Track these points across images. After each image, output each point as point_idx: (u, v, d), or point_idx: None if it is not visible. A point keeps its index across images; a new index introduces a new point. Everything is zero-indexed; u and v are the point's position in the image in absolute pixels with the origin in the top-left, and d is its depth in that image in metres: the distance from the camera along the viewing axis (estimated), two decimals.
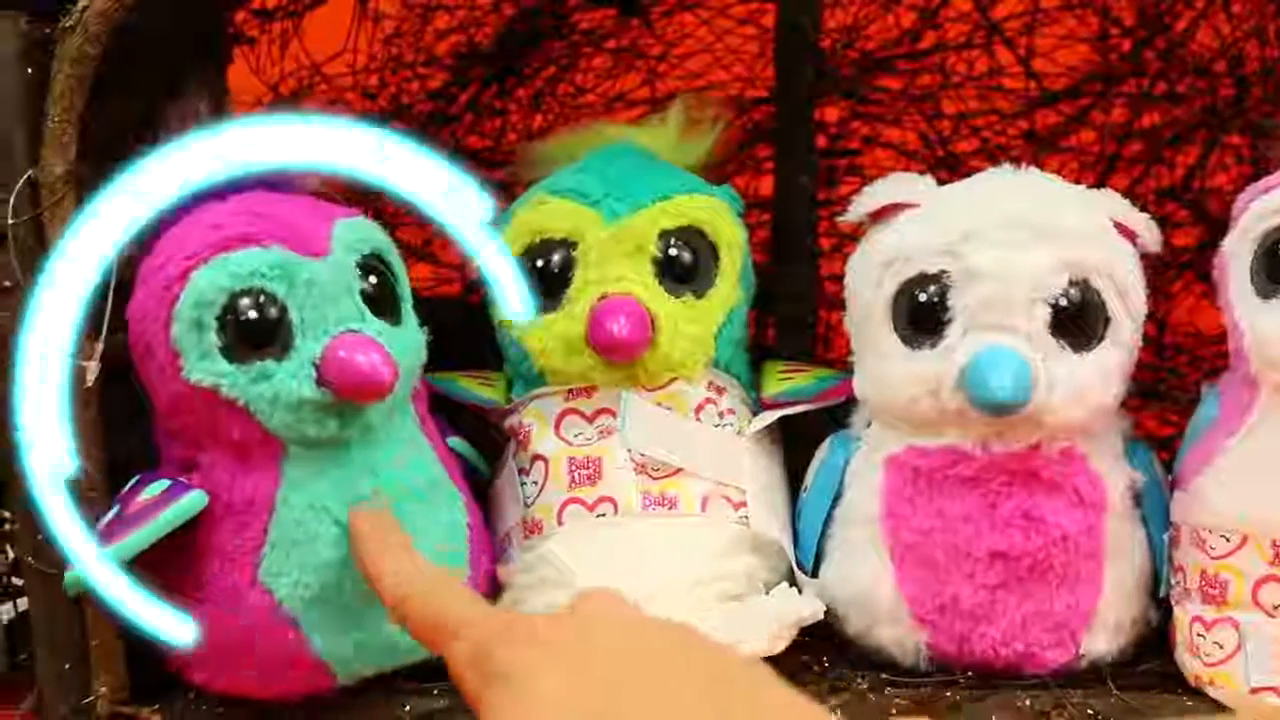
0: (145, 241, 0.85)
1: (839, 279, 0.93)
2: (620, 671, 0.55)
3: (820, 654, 0.92)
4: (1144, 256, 0.90)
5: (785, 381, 0.97)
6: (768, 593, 0.91)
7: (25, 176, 0.84)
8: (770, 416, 0.95)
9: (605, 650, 0.56)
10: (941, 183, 0.91)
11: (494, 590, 0.93)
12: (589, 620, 0.58)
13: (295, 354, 0.82)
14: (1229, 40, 1.22)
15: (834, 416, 0.96)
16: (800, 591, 0.92)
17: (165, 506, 0.82)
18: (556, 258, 0.92)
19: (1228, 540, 0.84)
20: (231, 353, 0.82)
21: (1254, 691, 0.84)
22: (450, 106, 1.29)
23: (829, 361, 1.06)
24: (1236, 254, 0.85)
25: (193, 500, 0.82)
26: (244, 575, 0.83)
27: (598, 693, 0.54)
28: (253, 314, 0.82)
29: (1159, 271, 1.23)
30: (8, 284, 0.84)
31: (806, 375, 0.98)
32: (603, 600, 0.60)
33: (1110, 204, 0.89)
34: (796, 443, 0.99)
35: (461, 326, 0.98)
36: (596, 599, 0.60)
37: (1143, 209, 0.92)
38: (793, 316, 1.22)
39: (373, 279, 0.86)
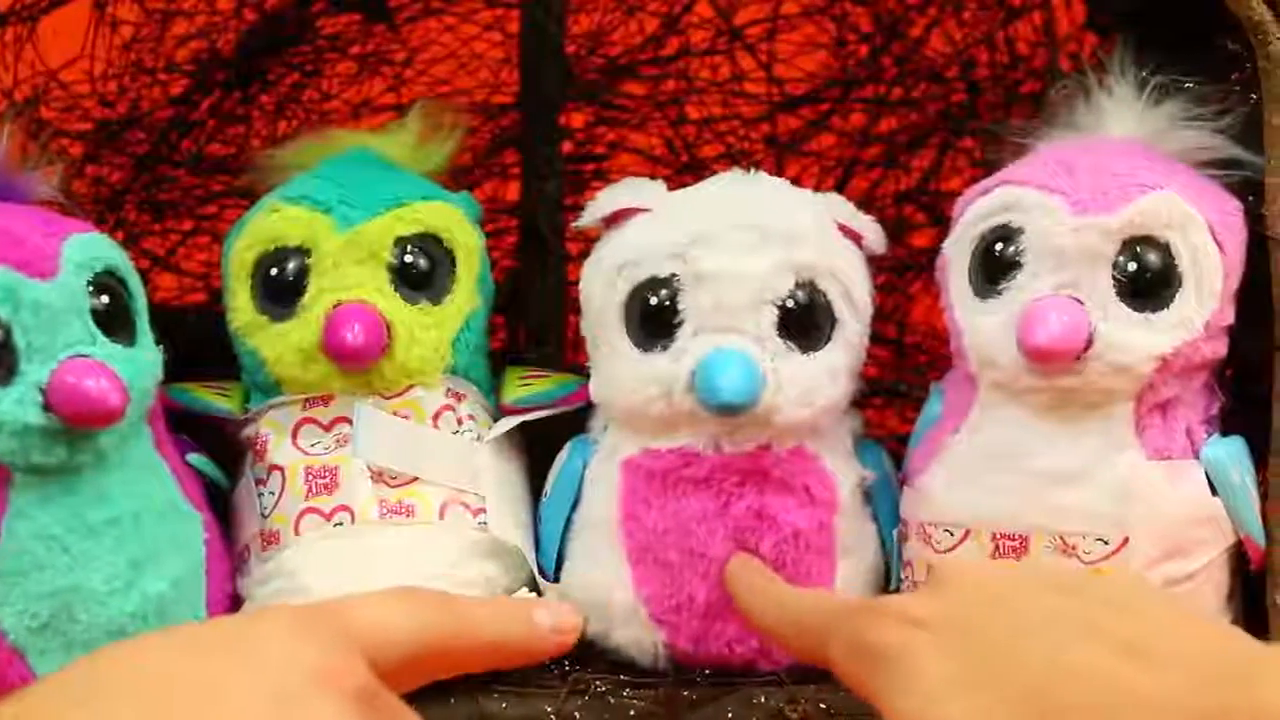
0: None
1: None
2: (1002, 632, 0.52)
3: (561, 657, 0.92)
4: (872, 258, 0.92)
5: (525, 387, 0.97)
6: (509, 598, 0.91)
7: None
8: (509, 422, 0.95)
9: (980, 615, 0.53)
10: (673, 187, 0.93)
11: (234, 606, 0.92)
12: (953, 590, 0.55)
13: (20, 380, 0.80)
14: (961, 47, 1.26)
15: (581, 421, 0.97)
16: (541, 596, 0.92)
17: None
18: (291, 266, 0.91)
19: (951, 535, 0.86)
20: None
21: None
22: (192, 113, 1.27)
23: (578, 366, 1.06)
24: (956, 255, 0.88)
25: None
26: None
27: (987, 659, 0.51)
28: None
29: (898, 273, 1.26)
30: None
31: (547, 381, 0.98)
32: (959, 569, 0.57)
33: (835, 207, 0.91)
34: (544, 448, 0.99)
35: (207, 337, 0.97)
36: (952, 569, 0.57)
37: (881, 212, 0.94)
38: (542, 322, 1.22)
39: (105, 298, 0.85)
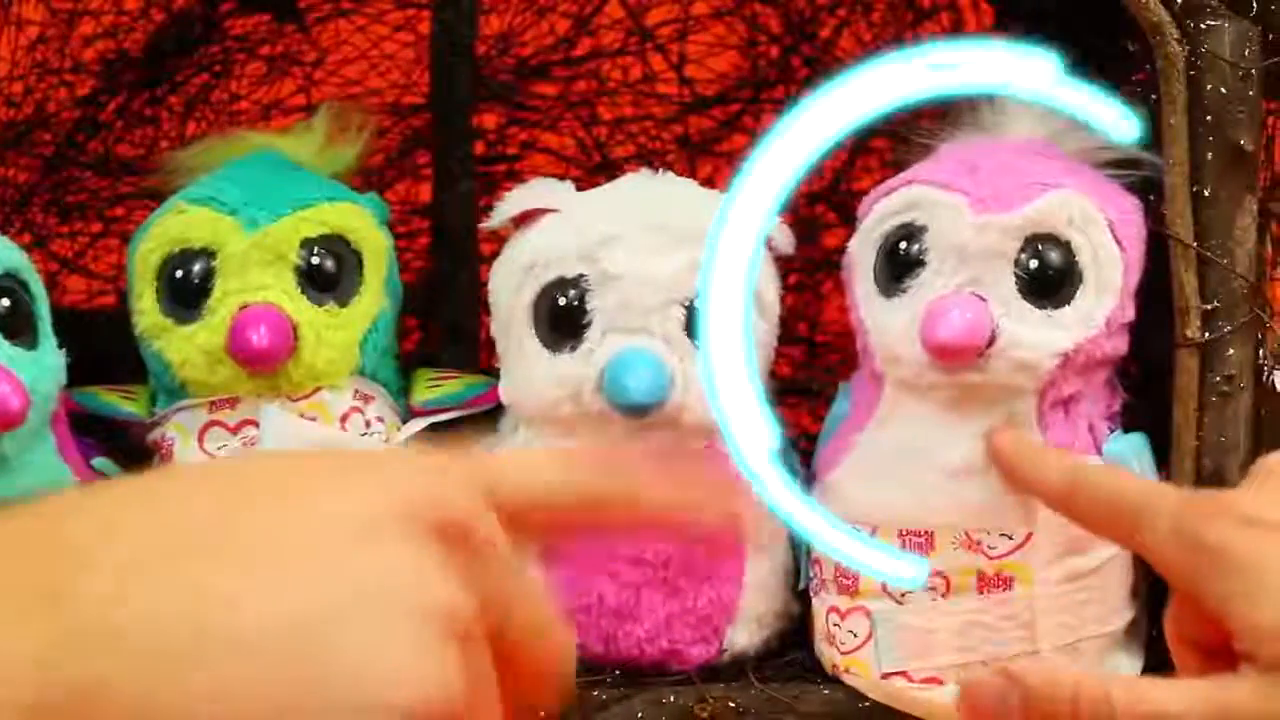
0: None
1: None
2: None
3: None
4: (784, 258, 0.93)
5: (434, 389, 0.97)
6: None
7: None
8: (419, 424, 0.95)
9: None
10: (586, 188, 0.93)
11: None
12: None
13: None
14: (870, 48, 1.26)
15: (491, 422, 0.97)
16: None
17: None
18: (196, 268, 0.91)
19: (858, 531, 0.87)
20: None
21: (884, 676, 0.86)
22: (100, 113, 1.26)
23: (493, 368, 1.06)
24: (861, 254, 0.88)
25: None
26: None
27: None
28: None
29: (810, 272, 1.26)
30: None
31: (456, 382, 0.98)
32: None
33: None
34: None
35: (116, 339, 0.96)
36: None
37: (793, 212, 0.94)
38: (455, 324, 1.22)
39: (5, 301, 0.84)
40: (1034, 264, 0.83)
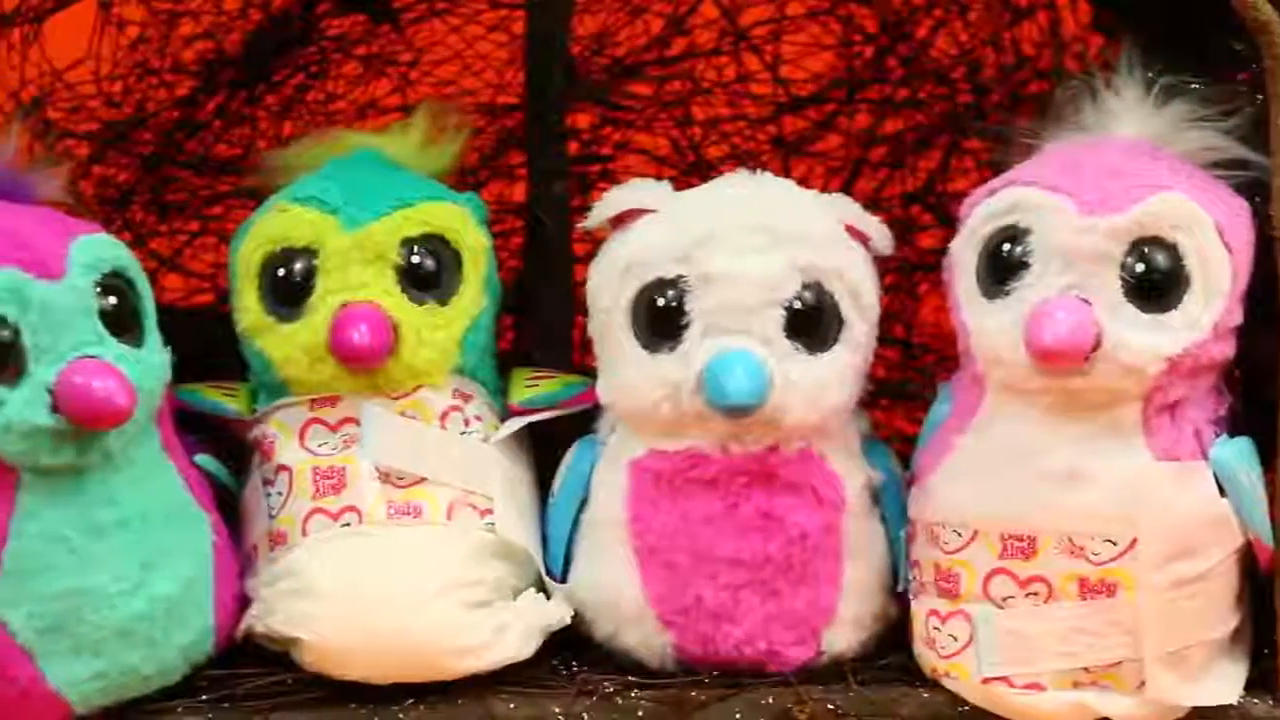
0: None
1: None
2: None
3: (570, 658, 0.92)
4: (879, 259, 0.92)
5: (532, 388, 0.97)
6: (516, 599, 0.91)
7: None
8: (517, 423, 0.95)
9: None
10: (680, 188, 0.93)
11: (241, 606, 0.92)
12: None
13: (28, 380, 0.81)
14: (967, 48, 1.26)
15: (588, 421, 0.97)
16: (549, 597, 0.92)
17: None
18: (298, 266, 0.91)
19: (959, 535, 0.86)
20: None
21: (985, 681, 0.86)
22: (198, 113, 1.27)
23: (587, 368, 1.06)
24: (963, 256, 0.88)
25: None
26: None
27: None
28: None
29: (905, 273, 1.26)
30: None
31: (554, 382, 0.98)
32: None
33: (842, 208, 0.91)
34: (551, 448, 0.99)
35: (215, 337, 0.97)
36: None
37: (888, 213, 0.94)
38: (550, 323, 1.22)
39: (113, 299, 0.85)
40: (1140, 267, 0.83)
